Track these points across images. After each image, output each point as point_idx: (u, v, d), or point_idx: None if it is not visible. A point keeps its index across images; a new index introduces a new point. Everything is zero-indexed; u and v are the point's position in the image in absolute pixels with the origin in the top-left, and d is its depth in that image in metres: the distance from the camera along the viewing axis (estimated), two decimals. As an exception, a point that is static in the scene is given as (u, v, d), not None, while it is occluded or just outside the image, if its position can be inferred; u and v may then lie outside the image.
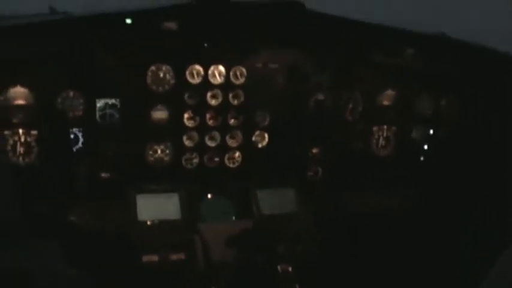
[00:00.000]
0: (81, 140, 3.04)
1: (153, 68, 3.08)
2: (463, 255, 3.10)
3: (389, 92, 3.45)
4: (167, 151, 3.22)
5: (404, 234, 3.37)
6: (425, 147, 3.53)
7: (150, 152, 3.20)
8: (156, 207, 3.12)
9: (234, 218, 3.18)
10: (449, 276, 3.11)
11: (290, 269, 2.80)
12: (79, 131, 3.04)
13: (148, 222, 3.02)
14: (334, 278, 3.14)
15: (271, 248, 2.82)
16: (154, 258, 2.95)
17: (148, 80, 3.09)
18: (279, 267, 2.81)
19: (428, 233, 3.33)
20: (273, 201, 3.28)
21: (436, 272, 3.18)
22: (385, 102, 3.46)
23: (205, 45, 3.11)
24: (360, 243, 3.35)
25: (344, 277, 3.19)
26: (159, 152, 3.21)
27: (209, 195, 3.22)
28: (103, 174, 3.12)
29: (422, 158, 3.53)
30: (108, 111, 3.08)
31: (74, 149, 3.03)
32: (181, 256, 2.95)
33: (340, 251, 3.28)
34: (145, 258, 2.94)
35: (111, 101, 3.07)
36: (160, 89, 3.12)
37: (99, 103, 3.06)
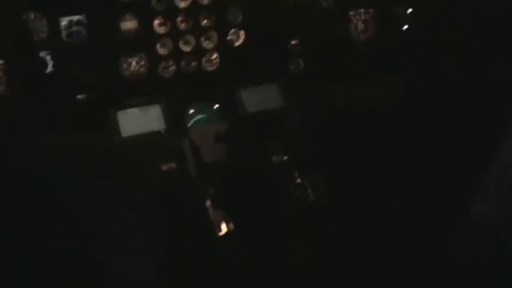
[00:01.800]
0: (50, 63, 2.91)
1: None
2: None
3: None
4: (142, 62, 3.09)
5: (391, 126, 3.36)
6: (405, 27, 3.43)
7: (125, 66, 3.06)
8: (139, 121, 3.05)
9: (220, 120, 3.14)
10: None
11: (285, 158, 2.80)
12: (47, 54, 2.89)
13: (134, 137, 2.98)
14: (327, 168, 3.16)
15: (262, 141, 2.81)
16: (146, 171, 2.93)
17: None
18: (273, 158, 2.81)
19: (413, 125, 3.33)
20: (257, 98, 3.24)
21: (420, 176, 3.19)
22: None
23: None
24: (349, 138, 3.35)
25: (337, 167, 3.21)
26: (133, 64, 3.08)
27: (192, 102, 3.16)
28: (79, 96, 3.02)
29: (403, 40, 3.45)
30: (74, 29, 2.90)
31: (45, 74, 2.90)
32: (173, 165, 2.93)
33: (331, 144, 3.29)
34: (137, 173, 2.92)
35: (76, 18, 2.89)
36: (126, -2, 2.96)
37: (64, 21, 2.87)
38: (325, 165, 3.07)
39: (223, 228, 2.59)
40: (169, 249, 2.92)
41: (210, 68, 3.20)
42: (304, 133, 3.09)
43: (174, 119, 3.04)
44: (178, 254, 2.90)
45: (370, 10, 3.35)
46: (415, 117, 3.33)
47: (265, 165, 2.81)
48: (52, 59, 2.89)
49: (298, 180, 2.78)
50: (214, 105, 3.15)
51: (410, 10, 3.35)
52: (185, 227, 2.86)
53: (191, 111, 3.12)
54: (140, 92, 3.09)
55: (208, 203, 2.70)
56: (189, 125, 3.05)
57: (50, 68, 2.89)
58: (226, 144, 2.78)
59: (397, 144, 3.31)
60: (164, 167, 2.90)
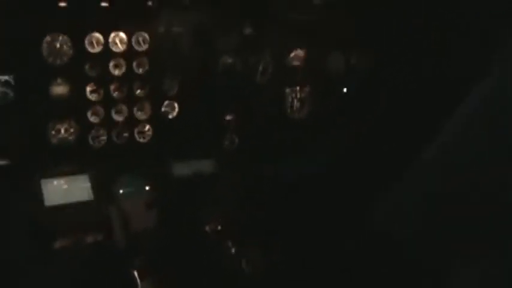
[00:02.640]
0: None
1: (48, 38, 2.82)
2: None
3: (299, 52, 3.37)
4: (71, 130, 2.96)
5: (322, 197, 3.32)
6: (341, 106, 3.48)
7: (53, 132, 2.92)
8: (64, 191, 2.89)
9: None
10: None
11: (219, 227, 2.67)
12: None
13: (57, 207, 2.79)
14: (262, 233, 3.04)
15: (194, 210, 2.69)
16: (68, 242, 2.72)
17: (44, 52, 2.82)
18: (207, 227, 2.67)
19: (344, 196, 3.30)
20: (189, 173, 3.14)
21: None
22: (295, 63, 3.38)
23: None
24: (280, 208, 3.27)
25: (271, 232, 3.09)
26: (62, 131, 2.95)
27: (121, 174, 3.03)
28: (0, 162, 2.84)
29: (338, 119, 3.48)
30: (0, 89, 2.81)
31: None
32: (98, 236, 2.74)
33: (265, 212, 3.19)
34: (59, 244, 2.71)
35: (3, 78, 2.78)
36: (58, 61, 2.84)
37: (-11, 81, 2.78)
38: (261, 236, 2.94)
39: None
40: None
41: (142, 140, 3.11)
42: (237, 203, 2.99)
43: (103, 189, 2.89)
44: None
45: (306, 88, 3.39)
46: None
47: (198, 234, 2.68)
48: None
49: (233, 251, 2.65)
50: (143, 181, 3.03)
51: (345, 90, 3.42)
52: None
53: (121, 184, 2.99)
54: (67, 160, 2.94)
55: (135, 273, 2.51)
56: (119, 195, 2.91)
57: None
58: (157, 212, 2.65)
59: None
60: (90, 239, 2.71)
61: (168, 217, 2.72)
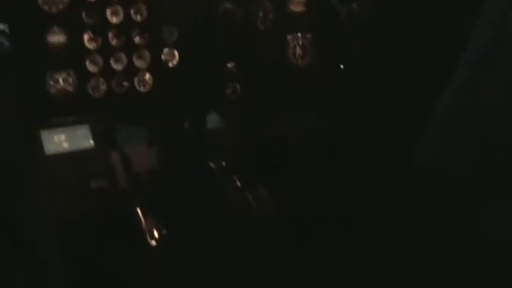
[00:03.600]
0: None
1: None
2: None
3: None
4: (70, 80, 2.91)
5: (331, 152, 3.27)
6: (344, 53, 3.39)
7: (51, 83, 2.88)
8: (65, 141, 2.86)
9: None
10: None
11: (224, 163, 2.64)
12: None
13: (58, 156, 2.76)
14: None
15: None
16: (72, 191, 2.70)
17: None
18: (211, 163, 2.65)
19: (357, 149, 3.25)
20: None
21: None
22: (296, 9, 3.30)
23: None
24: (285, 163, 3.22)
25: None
26: (60, 81, 2.90)
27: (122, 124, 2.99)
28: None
29: (341, 66, 3.41)
30: (-4, 39, 2.75)
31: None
32: (102, 183, 2.71)
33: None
34: (61, 193, 2.68)
35: (-2, 27, 2.74)
36: (54, 8, 2.77)
37: (-16, 30, 2.73)
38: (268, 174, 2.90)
39: (156, 235, 2.39)
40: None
41: (142, 89, 3.05)
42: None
43: (103, 137, 2.85)
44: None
45: (308, 35, 3.32)
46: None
47: (202, 170, 2.65)
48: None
49: (238, 185, 2.62)
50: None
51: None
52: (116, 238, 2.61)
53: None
54: (67, 111, 2.89)
55: (138, 211, 2.49)
56: (120, 142, 2.87)
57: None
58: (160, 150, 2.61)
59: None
60: (93, 184, 2.68)
61: (170, 156, 2.68)
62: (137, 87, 3.04)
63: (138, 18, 2.96)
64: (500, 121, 2.22)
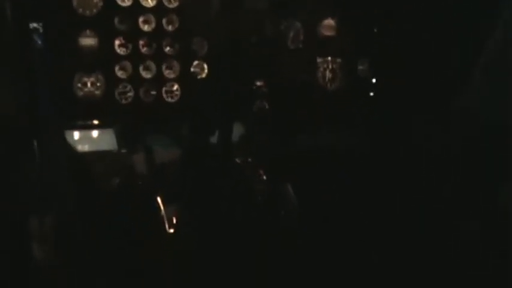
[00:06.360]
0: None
1: None
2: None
3: (330, 22, 3.31)
4: (98, 84, 2.93)
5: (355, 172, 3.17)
6: (373, 80, 3.38)
7: (79, 85, 2.90)
8: (88, 144, 2.82)
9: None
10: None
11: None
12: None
13: (82, 155, 2.71)
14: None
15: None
16: (96, 187, 2.62)
17: (74, 2, 2.82)
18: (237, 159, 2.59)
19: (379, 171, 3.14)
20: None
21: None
22: (327, 33, 3.32)
23: None
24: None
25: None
26: (89, 84, 2.92)
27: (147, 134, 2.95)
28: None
29: (371, 93, 3.37)
30: (29, 36, 2.78)
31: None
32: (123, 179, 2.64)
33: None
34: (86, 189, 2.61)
35: (32, 25, 2.78)
36: (88, 12, 2.85)
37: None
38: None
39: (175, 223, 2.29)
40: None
41: (170, 100, 3.04)
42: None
43: (127, 145, 2.81)
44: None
45: (338, 60, 3.30)
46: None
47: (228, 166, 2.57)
48: None
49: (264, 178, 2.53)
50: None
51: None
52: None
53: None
54: (93, 115, 2.87)
55: (159, 199, 2.40)
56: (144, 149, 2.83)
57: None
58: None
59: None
60: (115, 181, 2.61)
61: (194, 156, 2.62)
62: (165, 97, 3.04)
63: (170, 28, 3.00)
64: None
